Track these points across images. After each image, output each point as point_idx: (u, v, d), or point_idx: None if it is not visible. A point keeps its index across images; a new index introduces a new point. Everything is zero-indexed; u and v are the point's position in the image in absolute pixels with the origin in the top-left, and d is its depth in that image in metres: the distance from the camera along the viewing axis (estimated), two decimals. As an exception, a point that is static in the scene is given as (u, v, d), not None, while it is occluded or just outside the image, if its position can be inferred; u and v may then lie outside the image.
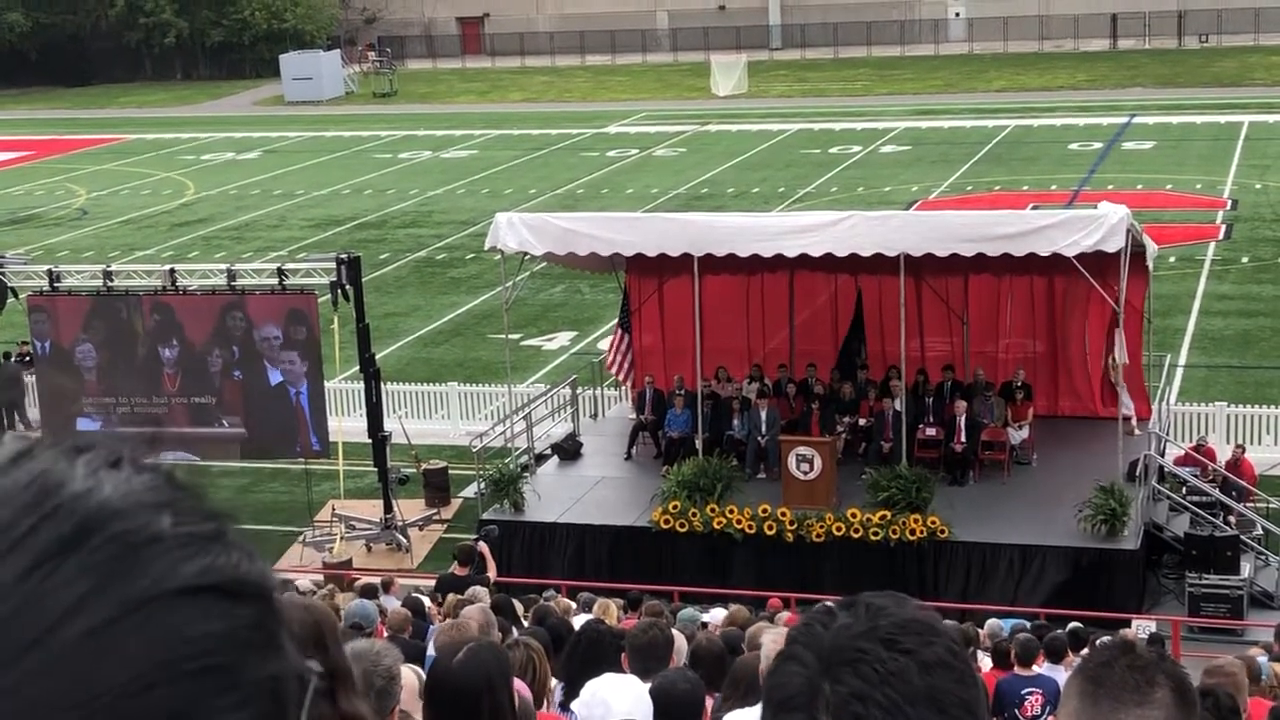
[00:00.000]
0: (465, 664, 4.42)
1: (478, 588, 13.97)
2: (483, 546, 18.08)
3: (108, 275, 23.22)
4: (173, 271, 23.10)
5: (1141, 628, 17.30)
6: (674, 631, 7.49)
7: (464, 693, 4.36)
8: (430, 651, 8.31)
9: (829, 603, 1.66)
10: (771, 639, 6.29)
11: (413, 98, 76.70)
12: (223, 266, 23.28)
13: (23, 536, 0.84)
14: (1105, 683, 2.44)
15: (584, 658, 7.09)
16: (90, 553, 0.84)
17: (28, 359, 26.72)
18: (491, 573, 17.52)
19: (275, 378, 22.82)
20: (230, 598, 0.87)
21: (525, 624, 11.59)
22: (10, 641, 0.81)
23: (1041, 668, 13.20)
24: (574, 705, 5.09)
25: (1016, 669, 12.98)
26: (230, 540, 0.90)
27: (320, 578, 20.17)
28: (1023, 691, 12.71)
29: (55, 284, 23.25)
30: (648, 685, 5.41)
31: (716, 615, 15.80)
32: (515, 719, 4.51)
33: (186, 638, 0.85)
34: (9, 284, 23.71)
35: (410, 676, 5.25)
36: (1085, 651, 12.54)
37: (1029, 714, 12.53)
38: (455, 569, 17.32)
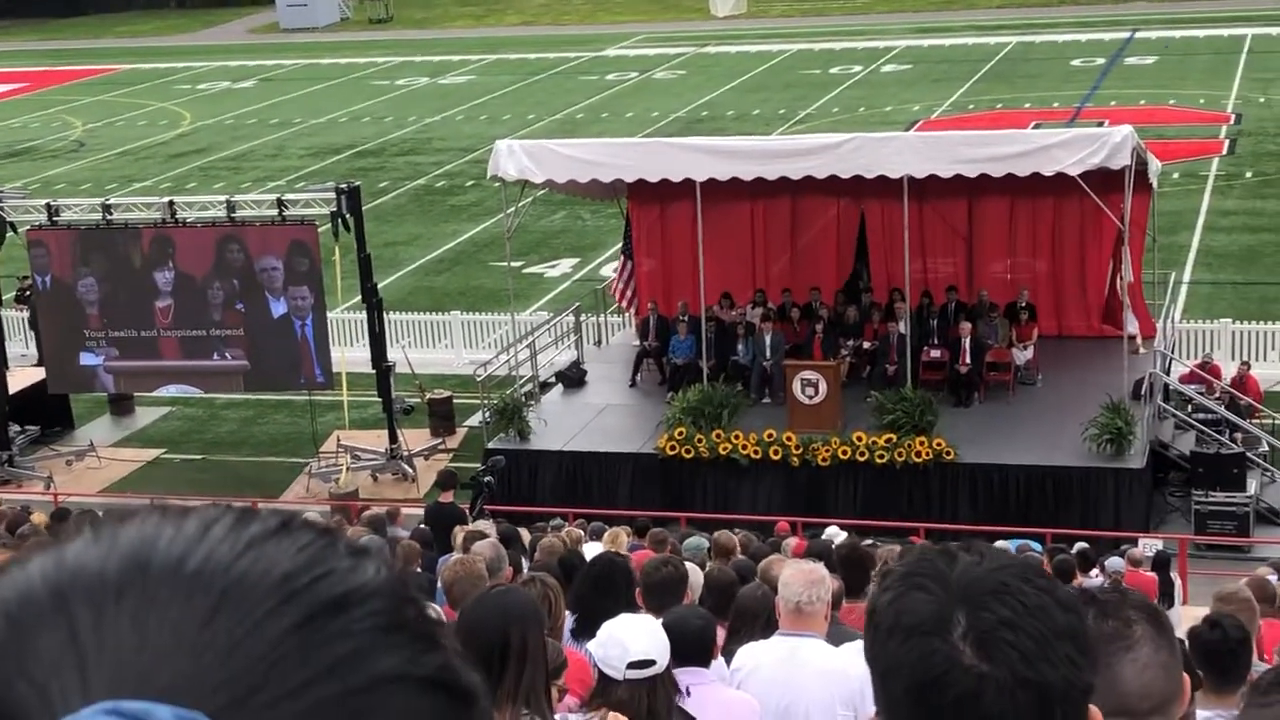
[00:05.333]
0: (496, 607, 4.43)
1: (483, 521, 13.98)
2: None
3: (106, 208, 23.11)
4: (172, 204, 22.99)
5: (1148, 546, 17.33)
6: (689, 566, 7.49)
7: (494, 636, 4.36)
8: (439, 584, 8.31)
9: (935, 545, 1.76)
10: (790, 572, 6.28)
11: (409, 23, 76.10)
12: (222, 198, 23.17)
13: (301, 589, 0.89)
14: None
15: (594, 588, 7.10)
16: (355, 620, 0.90)
17: (28, 294, 26.66)
18: None
19: (278, 310, 22.76)
20: (456, 700, 0.93)
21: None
22: (279, 686, 0.85)
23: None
24: (590, 645, 5.08)
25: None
26: (451, 648, 0.95)
27: (328, 508, 20.25)
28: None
29: (54, 218, 23.14)
30: (661, 622, 5.42)
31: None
32: (547, 659, 4.52)
33: None
34: (8, 218, 23.60)
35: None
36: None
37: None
38: (441, 496, 17.29)
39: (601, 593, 6.95)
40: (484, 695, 0.97)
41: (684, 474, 21.22)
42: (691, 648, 5.55)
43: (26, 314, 28.19)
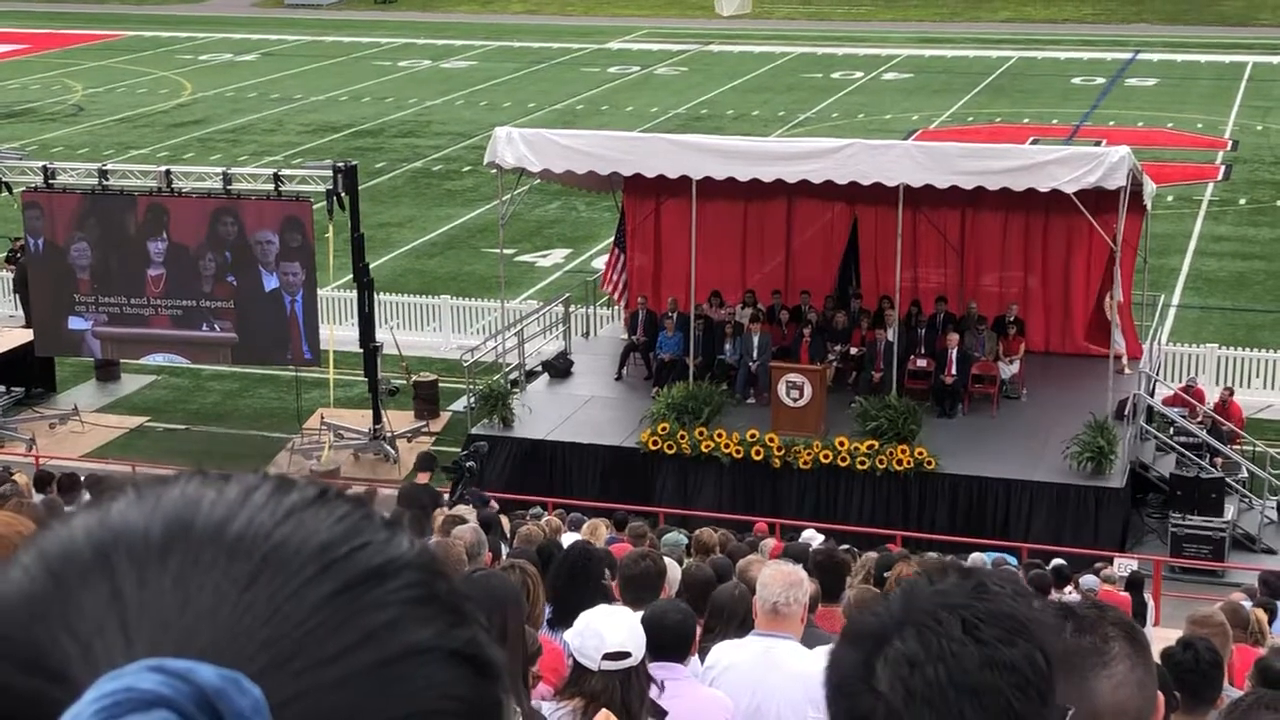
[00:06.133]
0: (478, 589, 4.45)
1: (463, 506, 14.01)
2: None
3: (103, 174, 23.07)
4: (169, 173, 22.95)
5: (1123, 565, 17.41)
6: (667, 560, 7.52)
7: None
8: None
9: (956, 561, 1.68)
10: (769, 573, 6.31)
11: (413, 5, 75.96)
12: (218, 170, 23.14)
13: (340, 559, 0.90)
14: (1061, 656, 2.45)
15: (570, 578, 7.13)
16: (391, 591, 0.91)
17: (19, 255, 26.59)
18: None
19: (270, 284, 22.74)
20: (480, 674, 0.94)
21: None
22: (317, 651, 0.86)
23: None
24: (567, 635, 5.11)
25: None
26: (478, 622, 0.97)
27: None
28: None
29: (50, 180, 23.09)
30: (640, 615, 5.45)
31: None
32: (525, 645, 4.55)
33: (452, 694, 0.91)
34: (3, 178, 23.56)
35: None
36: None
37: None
38: (417, 478, 17.32)
39: (578, 584, 6.98)
40: (504, 672, 0.99)
41: (664, 469, 21.25)
42: (670, 641, 5.58)
43: (13, 275, 28.12)
